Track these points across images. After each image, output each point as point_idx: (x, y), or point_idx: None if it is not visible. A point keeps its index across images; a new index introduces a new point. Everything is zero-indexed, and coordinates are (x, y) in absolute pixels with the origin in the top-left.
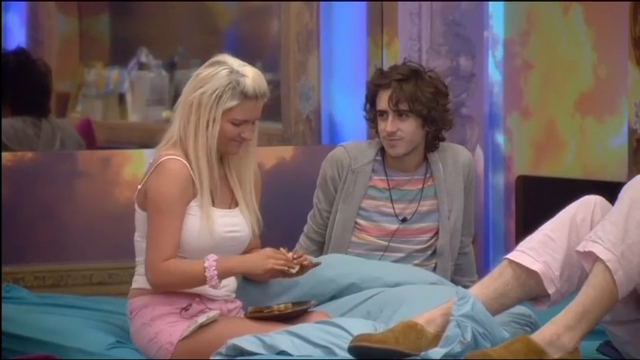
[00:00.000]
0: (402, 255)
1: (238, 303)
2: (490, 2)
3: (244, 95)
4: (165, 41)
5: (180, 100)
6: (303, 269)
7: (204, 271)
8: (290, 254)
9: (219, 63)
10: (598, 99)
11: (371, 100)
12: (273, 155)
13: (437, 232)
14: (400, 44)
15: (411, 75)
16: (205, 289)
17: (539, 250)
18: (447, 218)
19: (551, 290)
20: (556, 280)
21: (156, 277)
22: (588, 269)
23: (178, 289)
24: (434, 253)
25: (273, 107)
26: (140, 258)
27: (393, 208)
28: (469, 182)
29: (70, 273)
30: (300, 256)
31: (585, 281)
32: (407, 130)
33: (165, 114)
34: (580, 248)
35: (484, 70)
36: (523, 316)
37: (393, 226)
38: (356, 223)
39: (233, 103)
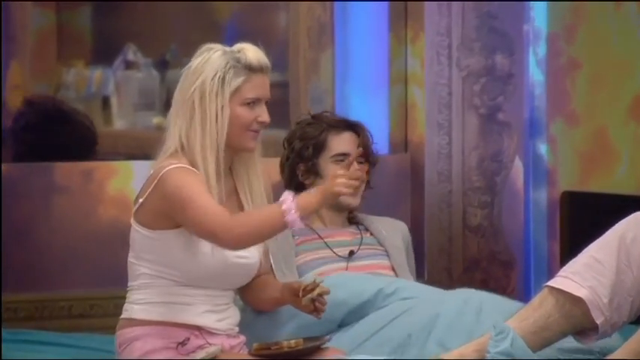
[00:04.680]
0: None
1: (242, 338)
2: None
3: (249, 69)
4: (156, 37)
5: (176, 102)
6: (317, 311)
7: (283, 216)
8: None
9: (207, 49)
10: None
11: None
12: None
13: (394, 270)
14: (427, 40)
15: None
16: (207, 322)
17: (585, 275)
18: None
19: (599, 320)
20: (604, 309)
21: (229, 231)
22: None
23: (255, 241)
24: None
25: (280, 112)
26: (134, 283)
27: (334, 252)
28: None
29: (46, 304)
30: (323, 294)
31: None
32: None
33: (156, 120)
34: None
35: (524, 70)
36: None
37: (342, 265)
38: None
39: (239, 80)
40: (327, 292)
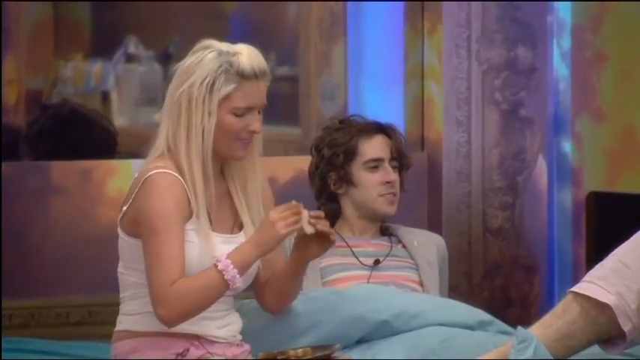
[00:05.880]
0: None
1: (246, 347)
2: None
3: (241, 75)
4: (158, 28)
5: (166, 100)
6: (327, 236)
7: (223, 275)
8: (306, 212)
9: (203, 48)
10: None
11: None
12: (290, 166)
13: (422, 284)
14: (445, 32)
15: None
16: (206, 330)
17: (612, 280)
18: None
19: (626, 327)
20: (633, 315)
21: (168, 308)
22: None
23: (198, 312)
24: None
25: (289, 108)
26: (125, 294)
27: (359, 261)
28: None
29: (41, 310)
30: (318, 216)
31: None
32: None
33: (157, 116)
34: None
35: (547, 64)
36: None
37: (365, 273)
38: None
39: (230, 88)
40: (322, 215)
